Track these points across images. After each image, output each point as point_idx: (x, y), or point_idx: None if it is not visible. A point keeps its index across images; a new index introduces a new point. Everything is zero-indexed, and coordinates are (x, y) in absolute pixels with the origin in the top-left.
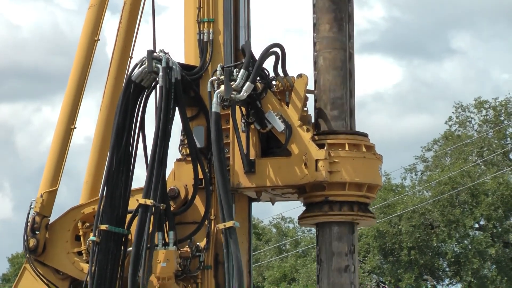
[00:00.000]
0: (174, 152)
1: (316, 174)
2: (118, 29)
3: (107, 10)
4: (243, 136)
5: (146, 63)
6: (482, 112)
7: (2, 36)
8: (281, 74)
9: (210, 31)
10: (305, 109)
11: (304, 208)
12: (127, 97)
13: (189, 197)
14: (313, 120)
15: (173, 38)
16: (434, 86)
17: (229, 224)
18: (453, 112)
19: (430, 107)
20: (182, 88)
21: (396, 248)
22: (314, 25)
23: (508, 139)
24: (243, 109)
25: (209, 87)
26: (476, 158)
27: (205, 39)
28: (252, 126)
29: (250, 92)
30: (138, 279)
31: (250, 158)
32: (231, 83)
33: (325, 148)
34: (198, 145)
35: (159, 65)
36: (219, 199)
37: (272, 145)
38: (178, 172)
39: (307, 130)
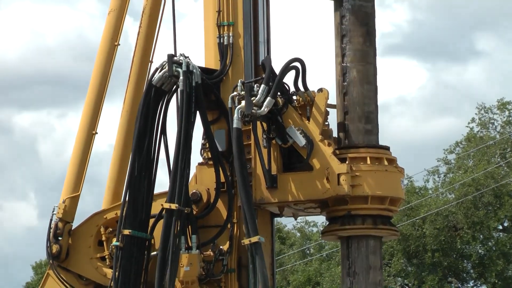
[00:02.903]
0: (195, 156)
1: (338, 188)
2: (138, 34)
3: (130, 16)
4: (264, 152)
5: (167, 67)
6: (505, 113)
7: (26, 43)
8: (301, 88)
9: (230, 34)
10: (326, 123)
11: (327, 222)
12: (148, 102)
13: (211, 200)
14: (334, 134)
15: (193, 43)
16: (459, 88)
17: (254, 239)
18: (476, 114)
19: (454, 109)
20: (203, 92)
21: (420, 251)
22: (343, 36)
23: None
24: (264, 124)
25: (230, 103)
26: (499, 159)
27: (225, 43)
28: (274, 141)
29: (271, 107)
30: (165, 284)
31: (272, 173)
32: (252, 98)
33: (347, 162)
34: (220, 149)
35: (179, 69)
36: (243, 215)
37: (294, 160)
38: (200, 176)
39: (329, 145)
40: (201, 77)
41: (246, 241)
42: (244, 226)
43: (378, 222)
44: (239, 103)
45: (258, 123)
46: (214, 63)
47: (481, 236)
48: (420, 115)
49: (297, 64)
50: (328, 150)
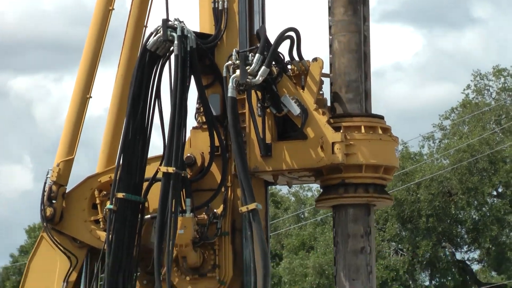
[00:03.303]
0: (190, 120)
1: (332, 157)
2: None
3: None
4: (259, 120)
5: (161, 32)
6: (500, 80)
7: (23, 7)
8: (296, 58)
9: None
10: (321, 92)
11: (321, 190)
12: (143, 66)
13: (206, 164)
14: (329, 104)
15: (188, 7)
16: (455, 55)
17: (251, 206)
18: (471, 80)
19: (450, 76)
20: (198, 57)
21: (415, 216)
22: (329, 8)
23: None
24: (259, 93)
25: (225, 72)
26: (494, 126)
27: (220, 8)
28: (268, 110)
29: (265, 77)
30: (164, 247)
31: (267, 142)
32: (247, 67)
33: (341, 131)
34: (214, 113)
35: (174, 34)
36: (239, 182)
37: (288, 129)
38: (195, 140)
39: (323, 113)
40: (196, 41)
41: (243, 209)
42: (241, 193)
43: (351, 191)
44: (234, 72)
45: (253, 92)
46: (209, 28)
47: (476, 201)
48: (416, 81)
49: (292, 33)
50: (322, 119)
